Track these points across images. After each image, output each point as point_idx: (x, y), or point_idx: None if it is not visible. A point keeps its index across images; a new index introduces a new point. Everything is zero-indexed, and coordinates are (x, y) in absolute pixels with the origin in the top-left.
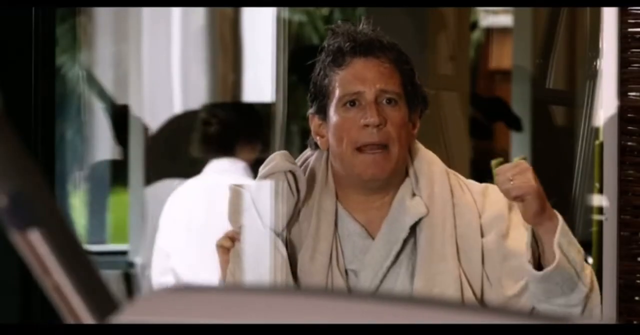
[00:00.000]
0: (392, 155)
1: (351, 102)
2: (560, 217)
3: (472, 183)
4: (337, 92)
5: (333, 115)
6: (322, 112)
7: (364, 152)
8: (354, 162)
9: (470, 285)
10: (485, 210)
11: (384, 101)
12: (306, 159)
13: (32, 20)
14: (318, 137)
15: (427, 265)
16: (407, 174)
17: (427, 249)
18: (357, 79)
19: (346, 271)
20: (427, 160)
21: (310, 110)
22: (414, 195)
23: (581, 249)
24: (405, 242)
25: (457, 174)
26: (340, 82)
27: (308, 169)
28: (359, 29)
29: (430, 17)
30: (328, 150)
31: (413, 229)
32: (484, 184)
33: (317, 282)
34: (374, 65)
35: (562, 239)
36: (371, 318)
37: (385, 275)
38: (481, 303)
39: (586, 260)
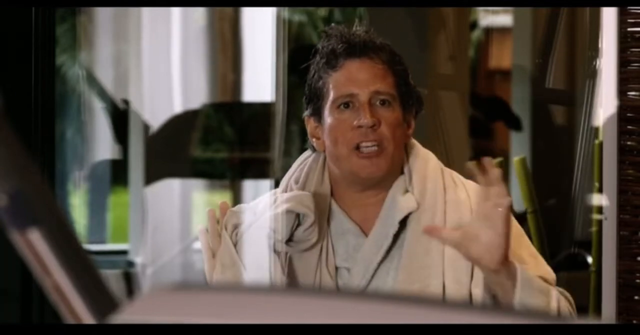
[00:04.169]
0: (387, 153)
1: (345, 104)
2: (518, 266)
3: (470, 182)
4: (331, 94)
5: (327, 117)
6: (317, 114)
7: (360, 152)
8: (350, 161)
9: (456, 281)
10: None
11: (378, 102)
12: (304, 160)
13: (32, 20)
14: (314, 139)
15: (412, 259)
16: (402, 172)
17: (413, 243)
18: (351, 81)
19: (337, 269)
20: (422, 158)
21: (306, 113)
22: (406, 191)
23: (543, 289)
24: (396, 237)
25: (453, 172)
26: (333, 84)
27: (304, 170)
28: (352, 30)
29: (430, 17)
30: (324, 151)
31: (403, 224)
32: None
33: (304, 280)
34: (367, 67)
35: (523, 294)
36: (371, 318)
37: (375, 271)
38: (465, 299)
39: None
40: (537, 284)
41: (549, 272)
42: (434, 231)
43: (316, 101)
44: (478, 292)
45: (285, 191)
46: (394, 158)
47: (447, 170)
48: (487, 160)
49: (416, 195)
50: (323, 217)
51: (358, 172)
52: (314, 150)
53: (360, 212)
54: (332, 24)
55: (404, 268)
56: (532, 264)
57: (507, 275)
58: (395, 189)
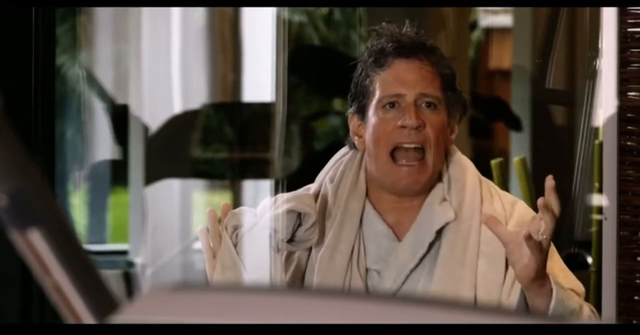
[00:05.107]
0: (427, 165)
1: (391, 104)
2: (554, 286)
3: (505, 194)
4: (377, 93)
5: (372, 116)
6: (362, 112)
7: (399, 162)
8: (388, 171)
9: (487, 295)
10: (512, 218)
11: (424, 104)
12: (341, 157)
13: (32, 20)
14: (356, 137)
15: (445, 271)
16: (440, 178)
17: (447, 254)
18: (398, 81)
19: (367, 271)
20: (462, 166)
21: (350, 110)
22: (444, 200)
23: (575, 309)
24: (430, 246)
25: (490, 182)
26: (380, 83)
27: (340, 169)
28: (403, 30)
29: (430, 17)
30: (364, 150)
31: (439, 233)
32: (515, 198)
33: (335, 281)
34: (415, 68)
35: (556, 309)
36: (371, 318)
37: (407, 277)
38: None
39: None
40: (569, 304)
41: (579, 286)
42: (493, 220)
43: (361, 99)
44: (508, 303)
45: (320, 189)
46: (433, 170)
47: (485, 181)
48: (549, 182)
49: (454, 205)
50: (356, 218)
51: (395, 184)
52: (352, 147)
53: (394, 215)
54: (383, 23)
55: (436, 279)
56: (562, 277)
57: (537, 293)
58: (433, 197)
